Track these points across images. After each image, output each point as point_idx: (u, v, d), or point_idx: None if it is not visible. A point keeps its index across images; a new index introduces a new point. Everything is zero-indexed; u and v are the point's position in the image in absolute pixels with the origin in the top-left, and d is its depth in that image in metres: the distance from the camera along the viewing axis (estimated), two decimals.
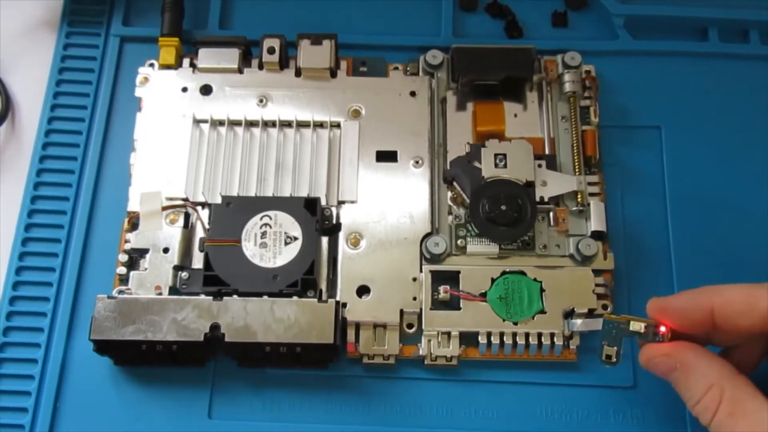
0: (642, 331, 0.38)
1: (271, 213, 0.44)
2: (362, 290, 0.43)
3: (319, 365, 0.43)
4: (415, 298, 0.43)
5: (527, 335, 0.42)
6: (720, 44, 0.51)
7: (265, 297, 0.41)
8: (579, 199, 0.45)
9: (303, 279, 0.42)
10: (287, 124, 0.47)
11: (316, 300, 0.41)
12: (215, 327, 0.40)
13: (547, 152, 0.47)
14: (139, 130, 0.47)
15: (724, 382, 0.35)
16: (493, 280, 0.43)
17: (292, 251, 0.43)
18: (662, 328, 0.37)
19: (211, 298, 0.41)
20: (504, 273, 0.43)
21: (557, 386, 0.43)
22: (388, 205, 0.45)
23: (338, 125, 0.47)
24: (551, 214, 0.45)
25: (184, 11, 0.50)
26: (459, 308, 0.43)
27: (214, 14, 0.52)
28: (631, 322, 0.38)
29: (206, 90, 0.48)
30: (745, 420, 0.33)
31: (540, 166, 0.45)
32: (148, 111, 0.47)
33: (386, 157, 0.46)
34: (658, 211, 0.47)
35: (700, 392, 0.35)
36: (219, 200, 0.44)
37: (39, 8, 0.53)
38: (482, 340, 0.42)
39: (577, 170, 0.46)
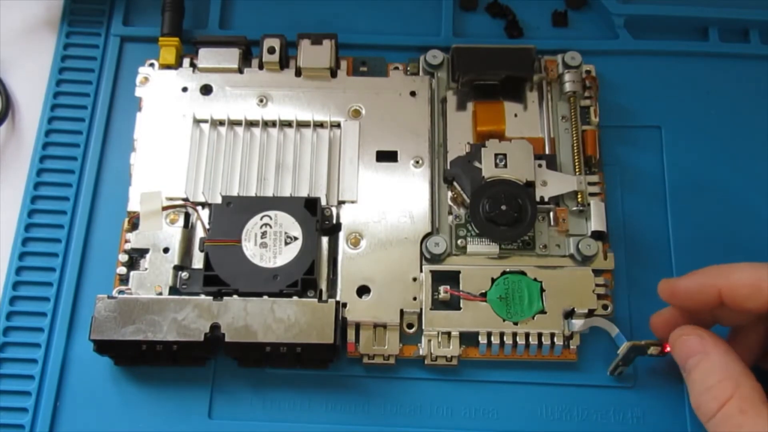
0: (657, 353, 0.39)
1: (271, 213, 0.44)
2: (362, 290, 0.43)
3: (319, 365, 0.43)
4: (415, 298, 0.43)
5: (527, 335, 0.42)
6: (720, 44, 0.51)
7: (265, 297, 0.41)
8: (579, 199, 0.45)
9: (303, 279, 0.42)
10: (287, 124, 0.47)
11: (316, 300, 0.41)
12: (215, 327, 0.40)
13: (547, 152, 0.47)
14: (139, 130, 0.47)
15: (742, 378, 0.34)
16: (493, 280, 0.43)
17: (292, 251, 0.43)
18: (668, 348, 0.39)
19: (211, 298, 0.41)
20: (504, 273, 0.43)
21: (557, 386, 0.43)
22: (388, 205, 0.45)
23: (338, 125, 0.47)
24: (551, 214, 0.45)
25: (184, 11, 0.50)
26: (459, 308, 0.43)
27: (214, 14, 0.52)
28: (651, 347, 0.39)
29: (206, 90, 0.48)
30: (757, 420, 0.33)
31: (540, 166, 0.45)
32: (148, 111, 0.47)
33: (386, 157, 0.46)
34: (658, 211, 0.47)
35: (713, 379, 0.35)
36: (219, 200, 0.44)
37: (39, 8, 0.53)
38: (482, 340, 0.42)
39: (577, 170, 0.46)
